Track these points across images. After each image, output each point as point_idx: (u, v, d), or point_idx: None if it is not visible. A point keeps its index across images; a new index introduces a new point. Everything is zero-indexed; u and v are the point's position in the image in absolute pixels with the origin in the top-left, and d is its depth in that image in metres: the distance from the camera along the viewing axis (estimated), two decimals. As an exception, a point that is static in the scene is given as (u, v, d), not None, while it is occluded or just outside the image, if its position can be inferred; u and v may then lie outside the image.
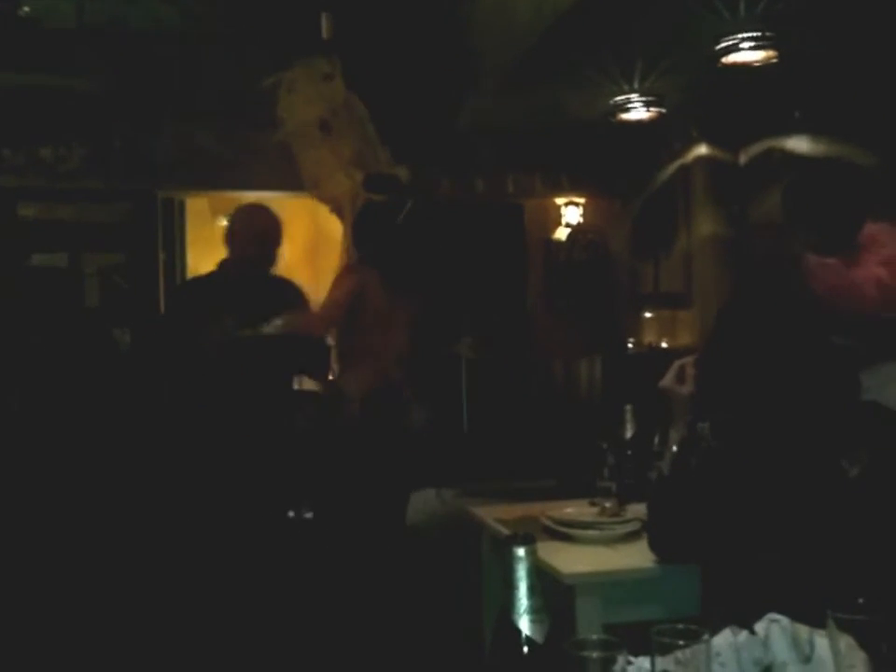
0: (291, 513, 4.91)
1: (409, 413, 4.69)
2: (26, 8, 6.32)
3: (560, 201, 8.26)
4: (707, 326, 2.52)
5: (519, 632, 1.17)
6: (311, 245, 8.36)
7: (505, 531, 2.96)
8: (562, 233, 8.34)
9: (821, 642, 1.42)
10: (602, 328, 7.89)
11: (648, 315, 8.06)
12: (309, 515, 5.11)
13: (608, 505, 3.05)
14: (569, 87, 6.17)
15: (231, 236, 4.34)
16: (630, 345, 7.94)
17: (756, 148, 6.83)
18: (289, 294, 4.44)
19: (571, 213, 8.26)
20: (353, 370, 4.72)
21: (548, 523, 2.92)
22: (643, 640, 1.27)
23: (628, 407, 3.44)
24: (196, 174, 7.06)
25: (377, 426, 4.56)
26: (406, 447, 4.58)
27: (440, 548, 4.11)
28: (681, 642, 1.21)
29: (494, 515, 3.24)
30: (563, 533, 2.86)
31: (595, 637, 1.23)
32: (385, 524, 4.41)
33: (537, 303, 8.24)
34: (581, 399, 7.12)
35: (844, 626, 1.26)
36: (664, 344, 7.60)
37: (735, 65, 5.04)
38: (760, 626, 1.52)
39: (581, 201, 8.23)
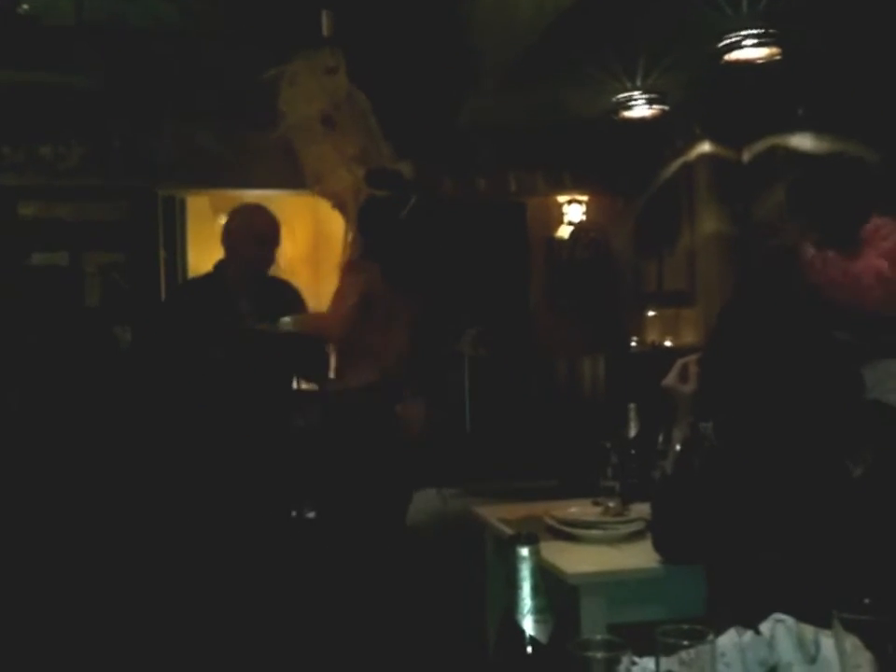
0: (294, 513, 4.90)
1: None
2: (25, 6, 6.30)
3: (562, 199, 8.25)
4: (711, 324, 2.50)
5: (523, 632, 1.17)
6: (312, 243, 8.36)
7: (508, 531, 2.94)
8: (564, 232, 8.33)
9: (827, 642, 1.41)
10: (605, 326, 7.88)
11: (651, 313, 8.04)
12: (311, 515, 5.10)
13: (611, 504, 3.03)
14: (571, 84, 6.16)
15: (229, 237, 4.29)
16: (633, 344, 7.93)
17: (759, 146, 6.81)
18: (288, 295, 4.42)
19: (574, 211, 8.25)
20: (354, 368, 4.69)
21: (551, 522, 2.90)
22: (647, 641, 1.26)
23: (632, 406, 3.42)
24: (196, 172, 7.05)
25: (379, 424, 4.53)
26: (408, 446, 4.56)
27: (442, 548, 4.10)
28: (686, 642, 1.20)
29: (497, 515, 3.22)
30: (566, 533, 2.85)
31: (599, 637, 1.22)
32: (387, 523, 4.39)
33: (539, 302, 8.23)
34: (584, 398, 7.11)
35: (850, 627, 1.25)
36: (667, 343, 7.59)
37: (738, 62, 5.03)
38: (765, 626, 1.51)
39: (584, 199, 8.22)
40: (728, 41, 4.88)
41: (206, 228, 7.35)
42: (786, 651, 1.47)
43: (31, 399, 6.42)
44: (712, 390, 2.34)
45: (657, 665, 1.23)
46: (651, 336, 7.93)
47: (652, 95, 5.97)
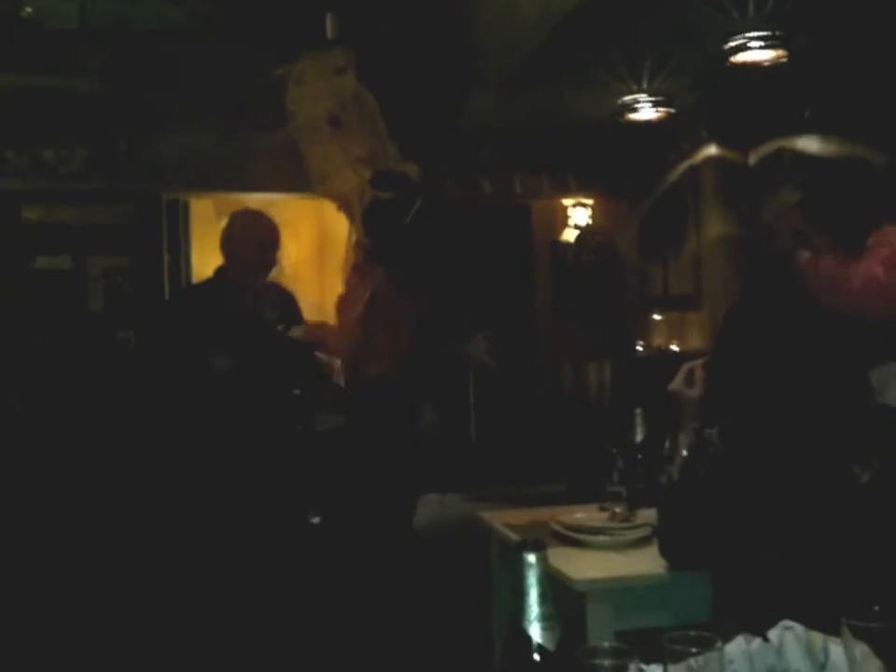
0: (299, 519, 4.88)
1: (420, 415, 4.66)
2: (28, 9, 6.29)
3: (568, 202, 8.24)
4: (717, 327, 2.50)
5: (530, 639, 1.16)
6: (316, 245, 8.35)
7: (514, 537, 2.94)
8: (570, 235, 8.31)
9: (836, 650, 1.40)
10: (611, 330, 7.85)
11: (657, 317, 8.01)
12: (316, 520, 5.08)
13: (618, 510, 3.04)
14: (576, 87, 6.13)
15: (229, 242, 4.27)
16: (639, 348, 7.90)
17: (766, 149, 6.78)
18: (286, 301, 4.41)
19: (579, 214, 8.23)
20: (359, 370, 4.68)
21: (557, 528, 2.90)
22: (655, 647, 1.26)
23: (638, 411, 3.41)
24: (200, 175, 7.03)
25: (384, 428, 4.52)
26: (413, 450, 4.54)
27: (447, 554, 4.07)
28: (694, 650, 1.20)
29: (502, 520, 3.22)
30: (573, 538, 2.85)
31: (606, 644, 1.23)
32: (391, 529, 4.37)
33: (544, 306, 8.20)
34: (589, 402, 7.08)
35: (859, 634, 1.25)
36: (673, 347, 7.56)
37: (744, 65, 5.01)
38: (773, 634, 1.50)
39: (590, 202, 8.21)
40: (734, 43, 4.85)
41: (210, 231, 7.30)
42: (794, 658, 1.46)
43: (32, 400, 6.42)
44: (718, 395, 2.32)
45: (665, 672, 1.22)
46: (658, 340, 7.90)
47: (658, 98, 5.94)
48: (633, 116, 6.07)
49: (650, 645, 1.31)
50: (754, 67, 5.04)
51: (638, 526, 2.87)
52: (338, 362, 4.61)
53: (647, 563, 2.58)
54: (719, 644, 1.22)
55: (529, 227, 8.24)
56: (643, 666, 1.36)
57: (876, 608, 1.25)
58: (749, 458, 2.09)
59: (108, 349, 6.82)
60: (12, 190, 6.87)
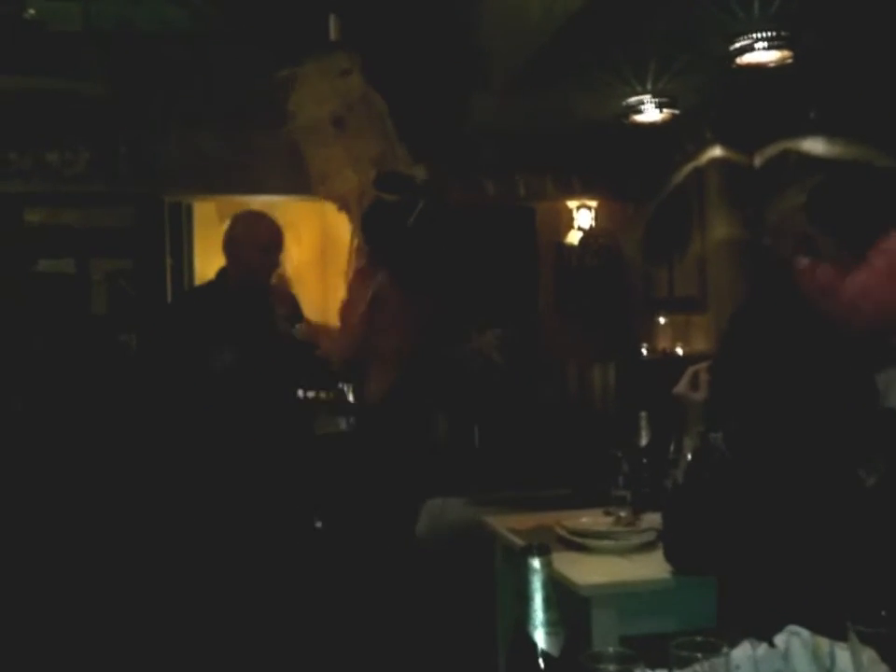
0: (303, 523, 4.87)
1: (435, 423, 4.65)
2: (32, 11, 6.29)
3: (572, 204, 8.23)
4: (722, 330, 2.49)
5: (535, 645, 1.15)
6: (319, 248, 8.34)
7: (519, 541, 2.93)
8: (574, 237, 8.30)
9: (843, 655, 1.38)
10: (615, 333, 7.84)
11: (662, 319, 8.00)
12: (318, 525, 5.08)
13: (623, 514, 3.02)
14: (580, 88, 6.12)
15: (231, 244, 4.25)
16: (644, 351, 7.88)
17: (771, 150, 6.77)
18: (289, 303, 4.39)
19: (583, 216, 8.22)
20: (370, 376, 4.67)
21: (562, 533, 2.88)
22: (660, 653, 1.25)
23: (643, 414, 3.39)
24: (203, 178, 7.04)
25: (400, 435, 4.51)
26: (422, 455, 4.53)
27: (451, 559, 4.05)
28: (700, 655, 1.19)
29: (507, 525, 3.21)
30: (578, 543, 2.83)
31: (611, 650, 1.22)
32: (396, 533, 4.35)
33: (548, 308, 8.19)
34: (594, 405, 7.06)
35: (866, 639, 1.24)
36: (678, 350, 7.55)
37: (749, 66, 5.00)
38: (780, 639, 1.48)
39: (594, 204, 8.19)
40: (739, 44, 4.84)
41: (213, 234, 7.29)
42: (801, 663, 1.44)
43: (35, 403, 6.42)
44: (723, 398, 2.30)
45: (670, 678, 1.22)
46: (663, 343, 7.89)
47: (663, 99, 5.93)
48: (637, 117, 6.06)
49: (655, 650, 1.29)
50: (760, 68, 5.03)
51: (643, 531, 2.84)
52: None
53: (652, 568, 2.56)
54: (725, 650, 1.21)
55: (533, 229, 8.24)
56: (648, 672, 1.35)
57: (883, 613, 1.24)
58: (755, 462, 2.08)
59: (111, 352, 6.82)
60: (15, 193, 6.88)
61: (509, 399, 5.48)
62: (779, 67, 5.02)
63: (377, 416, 4.58)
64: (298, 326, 4.20)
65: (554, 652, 1.15)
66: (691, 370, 2.52)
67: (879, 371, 2.15)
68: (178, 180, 7.06)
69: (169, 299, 7.28)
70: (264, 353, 4.08)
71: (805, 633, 1.47)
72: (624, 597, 2.54)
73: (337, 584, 4.42)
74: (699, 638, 1.21)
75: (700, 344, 7.19)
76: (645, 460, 3.24)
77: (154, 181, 7.01)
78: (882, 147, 5.29)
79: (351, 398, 5.47)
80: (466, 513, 4.01)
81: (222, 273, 4.29)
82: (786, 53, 4.91)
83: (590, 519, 3.03)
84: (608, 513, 3.07)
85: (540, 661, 1.15)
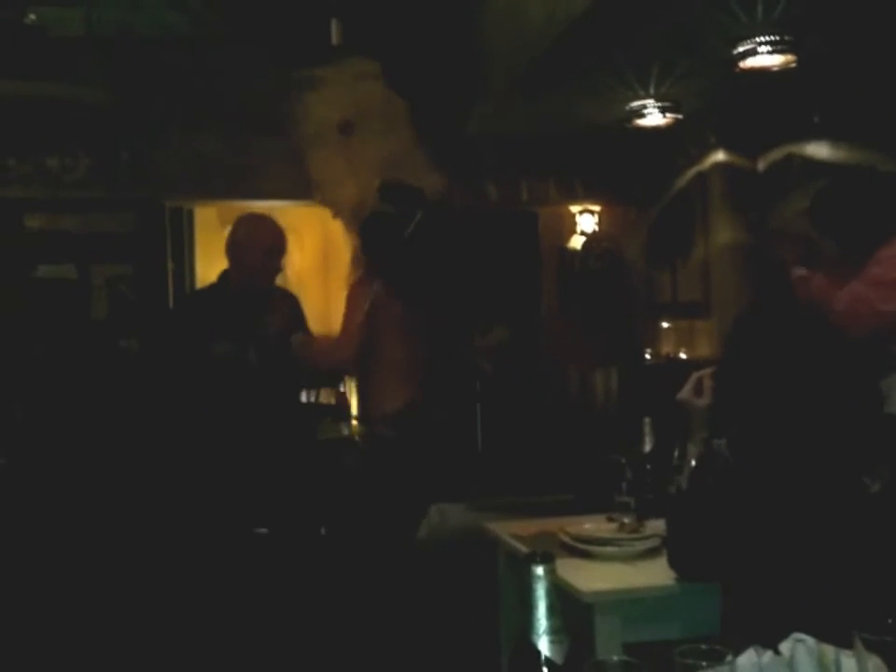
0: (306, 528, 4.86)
1: (444, 434, 4.64)
2: (32, 16, 6.29)
3: (575, 209, 8.23)
4: (725, 336, 2.49)
5: (538, 653, 1.15)
6: (321, 253, 8.34)
7: (521, 548, 2.93)
8: (577, 242, 8.30)
9: (848, 663, 1.37)
10: (618, 338, 7.82)
11: (665, 324, 7.99)
12: (323, 531, 5.06)
13: (626, 521, 3.01)
14: (583, 92, 6.11)
15: (234, 248, 4.23)
16: (647, 356, 7.86)
17: (775, 154, 6.76)
18: (290, 306, 4.38)
19: (586, 221, 8.22)
20: (379, 389, 4.65)
21: (565, 539, 2.88)
22: (664, 660, 1.24)
23: (647, 420, 3.38)
24: (204, 183, 7.03)
25: (413, 447, 4.49)
26: (426, 462, 4.52)
27: (453, 564, 4.04)
28: (704, 663, 1.20)
29: (509, 531, 3.21)
30: (581, 550, 2.82)
31: (615, 658, 1.23)
32: (399, 540, 4.34)
33: (551, 313, 8.18)
34: (597, 411, 7.04)
35: (872, 647, 1.24)
36: (682, 355, 7.53)
37: (753, 70, 5.00)
38: (785, 646, 1.48)
39: (597, 208, 8.19)
40: (743, 48, 4.84)
41: (214, 239, 7.29)
42: (806, 671, 1.44)
43: (35, 409, 6.41)
44: (727, 404, 2.30)
45: (674, 685, 1.22)
46: (666, 348, 7.88)
47: (666, 103, 5.93)
48: (640, 121, 6.05)
49: (658, 658, 1.29)
50: (763, 72, 5.03)
51: (647, 537, 2.83)
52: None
53: (656, 574, 2.55)
54: (729, 657, 1.22)
55: (536, 233, 8.24)
56: (652, 679, 1.35)
57: (889, 620, 1.23)
58: (759, 468, 2.08)
59: (111, 358, 6.81)
60: (15, 198, 6.88)
61: (509, 405, 5.48)
62: (783, 71, 5.01)
63: (396, 433, 4.56)
64: (293, 337, 4.18)
65: (558, 660, 1.14)
66: (695, 375, 2.53)
67: (883, 378, 2.15)
68: (179, 185, 7.06)
69: (170, 304, 7.27)
70: (264, 355, 4.07)
71: (810, 640, 1.47)
72: (628, 604, 2.54)
73: (341, 590, 4.41)
74: (703, 646, 1.21)
75: (704, 349, 7.18)
76: (649, 466, 3.24)
77: (155, 186, 7.01)
78: (886, 151, 5.29)
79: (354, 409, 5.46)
80: (467, 519, 3.99)
81: (224, 275, 4.29)
82: (789, 57, 4.90)
83: (593, 525, 3.02)
84: (611, 519, 3.07)
85: (544, 669, 1.14)
